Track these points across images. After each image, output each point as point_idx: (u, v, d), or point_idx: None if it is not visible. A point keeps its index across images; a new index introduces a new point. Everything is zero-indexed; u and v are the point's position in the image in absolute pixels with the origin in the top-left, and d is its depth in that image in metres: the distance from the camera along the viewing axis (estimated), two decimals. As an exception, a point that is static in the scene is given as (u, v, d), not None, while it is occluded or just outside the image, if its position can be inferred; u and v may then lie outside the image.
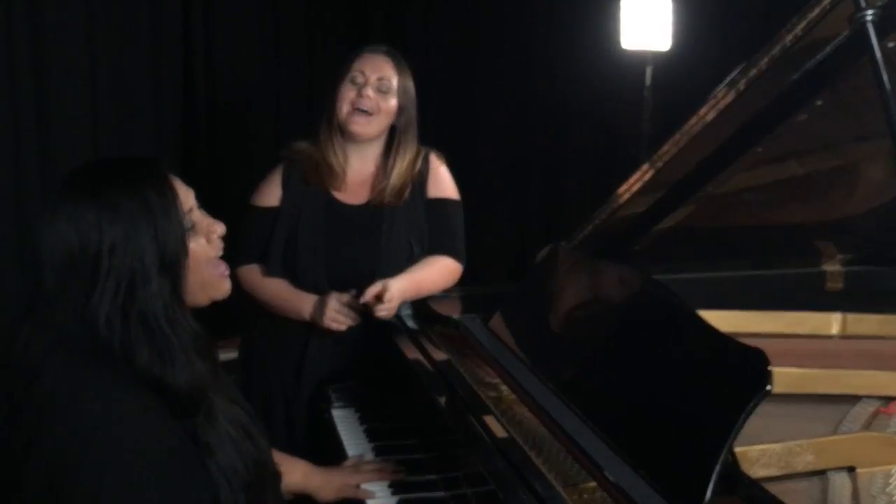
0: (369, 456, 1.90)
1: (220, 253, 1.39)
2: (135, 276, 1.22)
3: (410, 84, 2.29)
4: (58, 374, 1.23)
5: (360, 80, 2.23)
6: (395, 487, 1.75)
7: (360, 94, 2.21)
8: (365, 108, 2.22)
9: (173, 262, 1.26)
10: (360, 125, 2.22)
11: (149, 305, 1.23)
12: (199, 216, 1.36)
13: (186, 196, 1.33)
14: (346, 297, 2.17)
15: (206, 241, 1.35)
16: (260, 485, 1.34)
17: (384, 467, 1.83)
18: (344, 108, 2.23)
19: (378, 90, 2.23)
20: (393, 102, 2.25)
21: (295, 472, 1.78)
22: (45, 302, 1.25)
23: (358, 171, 2.31)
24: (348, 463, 1.87)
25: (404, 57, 2.33)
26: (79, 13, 3.16)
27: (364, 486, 1.77)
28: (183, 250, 1.28)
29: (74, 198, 1.25)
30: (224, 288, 1.40)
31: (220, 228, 1.38)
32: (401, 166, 2.26)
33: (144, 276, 1.23)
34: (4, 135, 2.88)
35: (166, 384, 1.22)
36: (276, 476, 1.47)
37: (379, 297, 2.09)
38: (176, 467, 1.21)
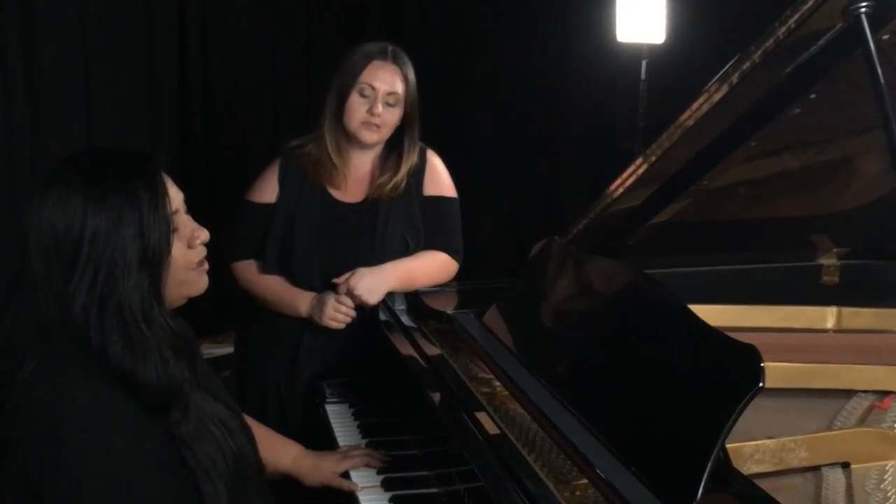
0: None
1: (201, 258, 1.38)
2: (114, 268, 1.22)
3: (414, 87, 2.29)
4: (37, 369, 1.23)
5: (368, 93, 2.23)
6: (388, 483, 1.75)
7: (370, 112, 2.22)
8: (375, 124, 2.23)
9: (155, 259, 1.26)
10: (369, 136, 2.24)
11: (126, 298, 1.23)
12: (184, 219, 1.35)
13: (175, 197, 1.32)
14: (344, 296, 2.18)
15: (187, 245, 1.35)
16: (240, 477, 1.35)
17: (372, 453, 1.83)
18: (354, 121, 2.24)
19: (386, 104, 2.23)
20: (399, 112, 2.27)
21: (287, 455, 1.79)
22: (30, 284, 1.26)
23: (356, 170, 2.33)
24: (339, 452, 1.87)
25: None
26: (72, 6, 3.15)
27: (352, 474, 1.77)
28: (166, 248, 1.28)
29: (65, 183, 1.25)
30: (201, 285, 1.40)
31: (203, 235, 1.38)
32: (406, 166, 2.29)
33: (125, 268, 1.23)
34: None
35: (137, 379, 1.22)
36: (259, 469, 1.47)
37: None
38: (152, 462, 1.21)
